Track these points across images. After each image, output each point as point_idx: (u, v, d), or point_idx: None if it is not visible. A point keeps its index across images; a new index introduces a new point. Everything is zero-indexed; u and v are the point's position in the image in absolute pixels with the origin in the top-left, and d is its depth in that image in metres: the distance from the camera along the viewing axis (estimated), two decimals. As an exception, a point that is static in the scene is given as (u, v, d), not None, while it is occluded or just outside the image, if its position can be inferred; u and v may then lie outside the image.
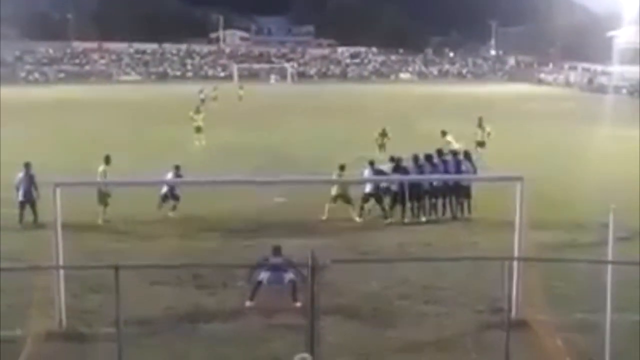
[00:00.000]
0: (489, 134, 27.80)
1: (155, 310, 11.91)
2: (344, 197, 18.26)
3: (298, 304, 11.90)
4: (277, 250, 12.65)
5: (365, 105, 53.72)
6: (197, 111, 33.83)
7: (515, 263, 10.79)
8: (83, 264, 13.02)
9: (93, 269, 12.75)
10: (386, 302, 12.41)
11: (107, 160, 18.36)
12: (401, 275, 13.40)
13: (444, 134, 25.03)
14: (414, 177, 18.46)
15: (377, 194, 18.26)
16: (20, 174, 17.79)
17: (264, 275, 12.18)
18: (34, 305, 10.46)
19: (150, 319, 11.53)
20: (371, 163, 18.54)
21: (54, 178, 11.50)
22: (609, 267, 9.60)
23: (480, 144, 26.66)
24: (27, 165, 17.95)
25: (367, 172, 18.22)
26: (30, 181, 17.62)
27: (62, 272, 11.07)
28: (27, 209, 17.57)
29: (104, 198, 17.74)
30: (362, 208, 18.20)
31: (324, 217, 18.00)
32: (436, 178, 18.65)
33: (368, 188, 18.18)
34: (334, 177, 18.36)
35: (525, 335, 10.49)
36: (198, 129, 32.38)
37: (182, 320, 11.63)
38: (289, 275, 12.06)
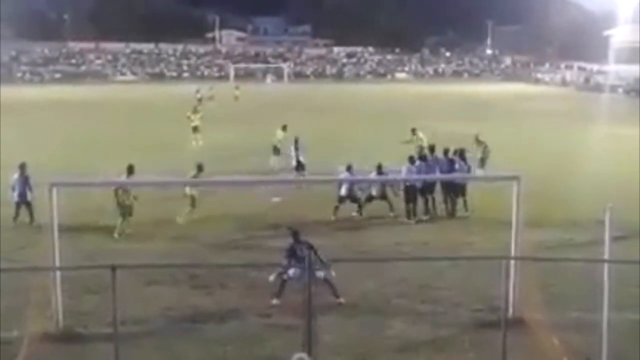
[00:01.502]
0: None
1: (153, 311, 11.90)
2: (192, 198, 18.01)
3: (341, 300, 11.98)
4: (295, 235, 12.50)
5: (363, 104, 53.76)
6: (195, 111, 33.77)
7: (512, 262, 10.80)
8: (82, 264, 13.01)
9: (90, 269, 12.74)
10: (383, 301, 12.42)
11: (130, 170, 16.95)
12: (398, 274, 13.40)
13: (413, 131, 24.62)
14: (412, 176, 18.44)
15: (354, 196, 18.32)
16: (16, 175, 17.78)
17: (293, 272, 11.83)
18: (31, 306, 10.44)
19: (148, 319, 11.52)
20: (379, 167, 18.18)
21: (52, 178, 11.48)
22: (606, 265, 9.62)
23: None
24: (22, 166, 17.89)
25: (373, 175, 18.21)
26: (25, 182, 17.58)
27: (58, 273, 11.06)
28: (23, 210, 17.54)
29: (127, 209, 16.88)
30: (348, 206, 18.24)
31: None
32: (435, 177, 18.70)
33: (344, 190, 18.14)
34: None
35: (522, 334, 10.51)
36: (195, 129, 32.28)
37: (179, 320, 11.63)
38: (320, 272, 11.62)
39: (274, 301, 12.00)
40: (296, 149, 22.84)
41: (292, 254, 12.28)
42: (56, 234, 10.98)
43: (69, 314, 11.29)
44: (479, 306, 11.96)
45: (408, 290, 12.88)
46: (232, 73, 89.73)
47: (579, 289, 11.98)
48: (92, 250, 14.97)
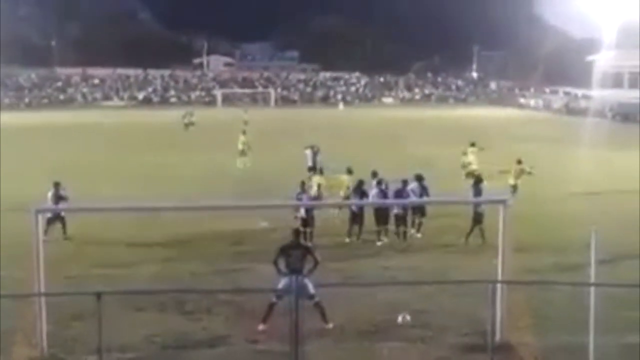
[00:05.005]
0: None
1: (139, 337, 11.79)
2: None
3: (330, 325, 11.91)
4: (297, 235, 12.63)
5: (358, 129, 53.96)
6: (244, 132, 34.44)
7: (499, 286, 10.82)
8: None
9: (75, 295, 12.62)
10: (371, 325, 12.37)
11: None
12: (386, 299, 13.37)
13: None
14: (415, 200, 18.53)
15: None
16: (50, 193, 18.57)
17: (283, 282, 11.81)
18: (16, 332, 10.34)
19: (134, 346, 11.41)
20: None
21: (37, 205, 11.42)
22: (592, 289, 9.67)
23: None
24: (56, 185, 18.73)
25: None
26: (57, 200, 18.42)
27: (44, 299, 10.95)
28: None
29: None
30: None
31: None
32: (427, 201, 18.82)
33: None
34: None
35: (509, 358, 10.50)
36: (242, 152, 32.92)
37: (166, 347, 11.53)
38: (311, 289, 11.70)
39: (261, 327, 11.92)
40: (314, 153, 27.78)
41: (285, 255, 12.15)
42: (41, 259, 10.89)
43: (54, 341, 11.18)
44: (466, 330, 11.94)
45: (396, 314, 12.83)
46: (219, 98, 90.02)
47: (566, 312, 12.01)
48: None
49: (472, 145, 28.77)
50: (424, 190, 18.95)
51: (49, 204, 18.17)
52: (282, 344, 10.40)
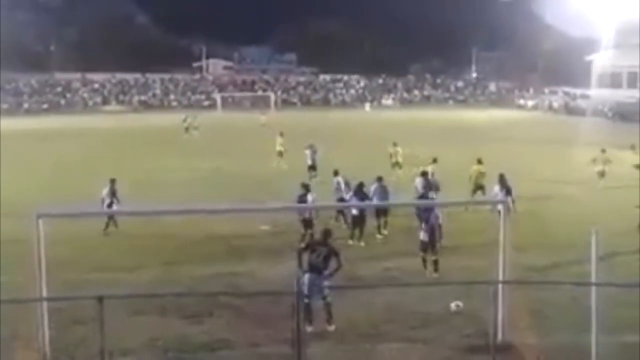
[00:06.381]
0: None
1: (140, 341, 11.78)
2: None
3: (332, 328, 11.93)
4: (326, 235, 12.53)
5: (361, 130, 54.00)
6: (281, 134, 34.91)
7: (500, 286, 10.81)
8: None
9: (77, 299, 12.60)
10: (373, 327, 12.36)
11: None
12: (388, 300, 13.36)
13: None
14: (418, 202, 18.54)
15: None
16: (106, 189, 19.80)
17: (305, 279, 11.82)
18: (18, 337, 10.33)
19: (135, 349, 11.40)
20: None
21: (39, 209, 11.39)
22: (593, 289, 9.67)
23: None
24: (112, 181, 19.98)
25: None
26: (112, 195, 19.74)
27: (45, 303, 10.94)
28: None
29: None
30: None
31: None
32: (430, 204, 18.75)
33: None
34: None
35: (511, 359, 10.49)
36: (279, 154, 33.69)
37: (168, 350, 11.52)
38: (325, 289, 11.79)
39: (309, 328, 11.65)
40: (313, 152, 28.94)
41: (310, 250, 12.24)
42: (43, 264, 10.87)
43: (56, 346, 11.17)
44: (468, 331, 11.92)
45: (397, 316, 12.83)
46: (219, 101, 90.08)
47: (568, 312, 12.00)
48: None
49: (632, 147, 29.41)
50: (428, 184, 19.34)
51: (105, 200, 19.59)
52: (283, 347, 10.39)
